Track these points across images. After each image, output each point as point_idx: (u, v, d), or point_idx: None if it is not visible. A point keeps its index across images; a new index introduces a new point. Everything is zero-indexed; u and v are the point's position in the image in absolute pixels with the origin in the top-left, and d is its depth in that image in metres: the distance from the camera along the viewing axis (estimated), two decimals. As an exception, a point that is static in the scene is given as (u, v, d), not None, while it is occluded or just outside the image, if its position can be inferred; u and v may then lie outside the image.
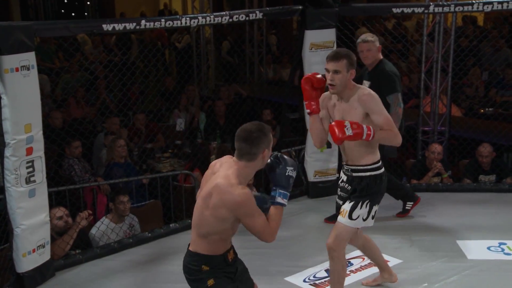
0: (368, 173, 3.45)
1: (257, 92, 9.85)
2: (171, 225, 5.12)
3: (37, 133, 4.05)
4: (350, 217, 3.44)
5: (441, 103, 6.66)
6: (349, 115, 3.39)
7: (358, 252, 4.50)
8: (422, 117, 6.67)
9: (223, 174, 2.71)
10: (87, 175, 6.09)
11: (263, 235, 2.73)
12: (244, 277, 3.03)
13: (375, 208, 3.48)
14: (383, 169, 3.50)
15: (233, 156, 2.79)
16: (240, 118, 7.40)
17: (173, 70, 10.46)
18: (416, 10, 5.68)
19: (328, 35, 5.47)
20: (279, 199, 2.77)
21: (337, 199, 3.64)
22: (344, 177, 3.58)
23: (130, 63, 7.05)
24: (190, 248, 2.85)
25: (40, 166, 4.10)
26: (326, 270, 4.26)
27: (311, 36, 5.45)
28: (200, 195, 2.80)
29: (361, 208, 3.43)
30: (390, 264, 4.31)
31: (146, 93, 8.36)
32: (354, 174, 3.48)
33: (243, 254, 4.47)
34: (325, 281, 4.13)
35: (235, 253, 2.97)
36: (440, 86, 6.58)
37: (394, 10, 5.60)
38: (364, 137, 3.26)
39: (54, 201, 4.95)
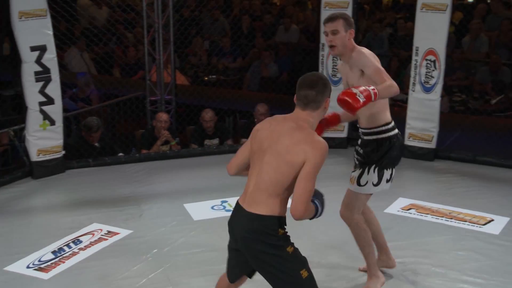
0: (374, 136, 3.34)
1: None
2: None
3: None
4: (358, 183, 3.35)
5: (166, 72, 6.78)
6: (350, 77, 3.33)
7: (87, 229, 4.41)
8: (149, 87, 6.72)
9: (298, 125, 2.60)
10: None
11: (300, 198, 2.49)
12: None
13: (387, 172, 3.34)
14: (393, 132, 3.35)
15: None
16: None
17: None
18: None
19: (39, 2, 5.11)
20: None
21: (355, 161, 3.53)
22: (359, 140, 3.49)
23: None
24: (259, 212, 2.59)
25: None
26: (53, 252, 4.06)
27: (19, 4, 5.02)
28: (270, 151, 2.59)
29: (368, 173, 3.34)
30: (120, 235, 4.30)
31: None
32: (365, 138, 3.40)
33: None
34: (51, 263, 3.92)
35: None
36: (163, 56, 6.68)
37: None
38: (373, 98, 3.07)
39: None
